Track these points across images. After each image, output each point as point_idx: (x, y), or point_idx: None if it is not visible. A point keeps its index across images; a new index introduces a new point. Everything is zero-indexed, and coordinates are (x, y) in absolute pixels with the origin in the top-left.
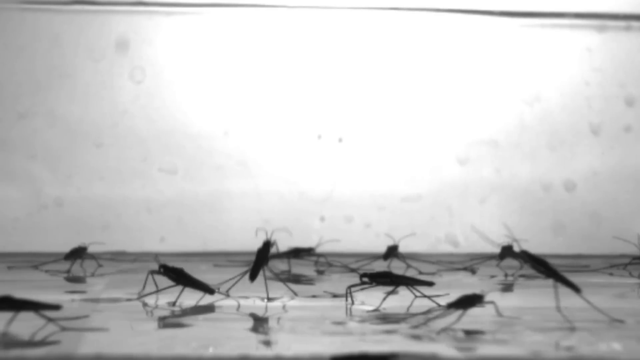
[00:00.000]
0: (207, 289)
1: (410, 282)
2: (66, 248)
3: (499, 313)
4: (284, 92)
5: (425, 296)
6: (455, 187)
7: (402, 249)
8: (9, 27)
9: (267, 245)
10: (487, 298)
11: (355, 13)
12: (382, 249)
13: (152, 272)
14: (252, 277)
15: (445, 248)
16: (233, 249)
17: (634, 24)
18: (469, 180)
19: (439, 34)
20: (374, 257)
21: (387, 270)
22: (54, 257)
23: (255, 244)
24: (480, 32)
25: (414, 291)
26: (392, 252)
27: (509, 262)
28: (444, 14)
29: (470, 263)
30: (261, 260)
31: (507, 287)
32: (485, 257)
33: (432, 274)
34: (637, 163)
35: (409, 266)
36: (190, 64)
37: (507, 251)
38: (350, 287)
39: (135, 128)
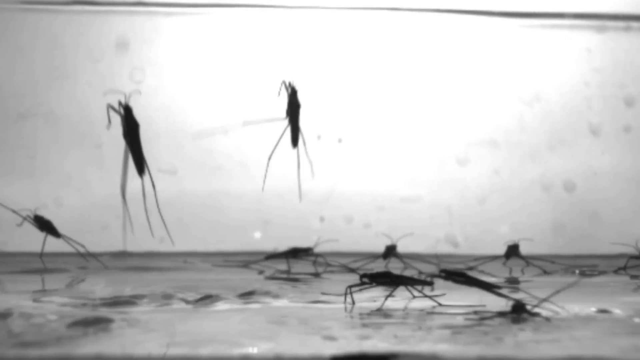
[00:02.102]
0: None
1: (409, 282)
2: (66, 248)
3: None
4: (284, 92)
5: (426, 296)
6: (455, 187)
7: (401, 249)
8: (9, 27)
9: (294, 94)
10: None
11: (355, 14)
12: (382, 249)
13: None
14: (294, 143)
15: (445, 248)
16: (233, 249)
17: (634, 24)
18: (469, 181)
19: (439, 34)
20: (374, 256)
21: (386, 271)
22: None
23: (255, 244)
24: (480, 32)
25: (413, 291)
26: (390, 251)
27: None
28: (444, 14)
29: (474, 263)
30: (296, 114)
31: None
32: (490, 257)
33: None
34: (637, 163)
35: (406, 266)
36: (190, 64)
37: (512, 250)
38: (350, 287)
39: None
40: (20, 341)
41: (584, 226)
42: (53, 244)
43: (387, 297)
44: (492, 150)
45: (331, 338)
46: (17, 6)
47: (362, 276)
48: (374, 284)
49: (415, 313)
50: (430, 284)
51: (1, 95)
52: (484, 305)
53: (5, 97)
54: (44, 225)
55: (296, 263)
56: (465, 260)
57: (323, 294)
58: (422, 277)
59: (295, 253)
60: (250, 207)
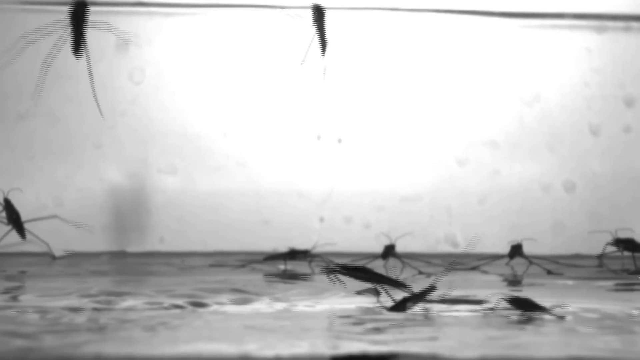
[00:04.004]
0: None
1: (386, 282)
2: (65, 248)
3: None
4: (283, 92)
5: (422, 295)
6: (455, 188)
7: (402, 249)
8: (9, 27)
9: (320, 11)
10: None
11: (355, 14)
12: (381, 249)
13: None
14: (323, 50)
15: (445, 248)
16: (233, 249)
17: (634, 24)
18: (469, 181)
19: (439, 35)
20: (373, 256)
21: (363, 265)
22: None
23: (256, 244)
24: (480, 32)
25: (405, 290)
26: (389, 251)
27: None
28: (444, 14)
29: (477, 263)
30: (321, 22)
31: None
32: (493, 257)
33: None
34: (636, 163)
35: (404, 265)
36: (189, 65)
37: (516, 250)
38: (328, 270)
39: (134, 128)
40: None
41: (584, 226)
42: (52, 245)
43: (375, 295)
44: (492, 150)
45: (331, 337)
46: (17, 6)
47: (342, 267)
48: (349, 276)
49: (415, 312)
50: (406, 286)
51: (1, 95)
52: (486, 302)
53: (5, 97)
54: (12, 215)
55: (297, 264)
56: (466, 260)
57: (357, 292)
58: (422, 277)
59: (294, 255)
60: (250, 207)
